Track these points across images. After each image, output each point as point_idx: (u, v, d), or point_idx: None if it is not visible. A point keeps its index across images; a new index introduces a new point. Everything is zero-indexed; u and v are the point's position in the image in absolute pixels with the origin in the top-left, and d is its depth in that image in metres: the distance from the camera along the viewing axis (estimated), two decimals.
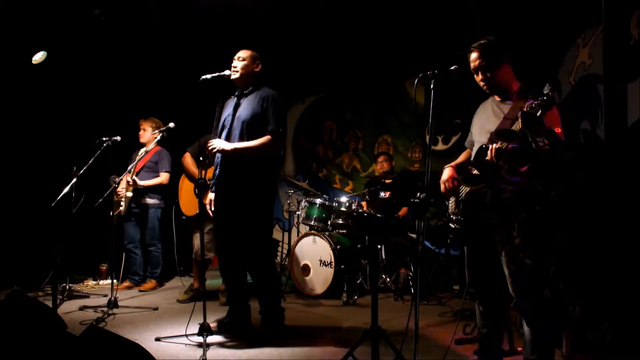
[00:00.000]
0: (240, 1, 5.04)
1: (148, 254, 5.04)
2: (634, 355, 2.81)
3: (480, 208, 2.42)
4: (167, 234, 4.95)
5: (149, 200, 4.90)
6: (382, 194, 4.91)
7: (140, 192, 4.85)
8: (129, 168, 4.37)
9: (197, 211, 4.03)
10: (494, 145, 2.24)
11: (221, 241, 3.37)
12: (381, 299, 4.28)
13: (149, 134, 4.91)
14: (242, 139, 3.19)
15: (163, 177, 4.97)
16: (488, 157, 2.29)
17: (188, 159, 4.28)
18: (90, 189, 4.31)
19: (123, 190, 4.74)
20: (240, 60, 3.30)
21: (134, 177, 4.63)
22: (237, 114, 3.27)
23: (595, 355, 2.88)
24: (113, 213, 4.31)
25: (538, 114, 2.03)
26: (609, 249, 3.01)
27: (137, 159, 4.61)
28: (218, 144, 3.16)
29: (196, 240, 4.39)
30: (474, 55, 2.44)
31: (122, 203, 4.77)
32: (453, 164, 2.71)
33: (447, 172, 2.64)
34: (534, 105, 2.05)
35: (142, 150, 4.82)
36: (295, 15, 5.41)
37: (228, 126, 3.28)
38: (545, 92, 2.03)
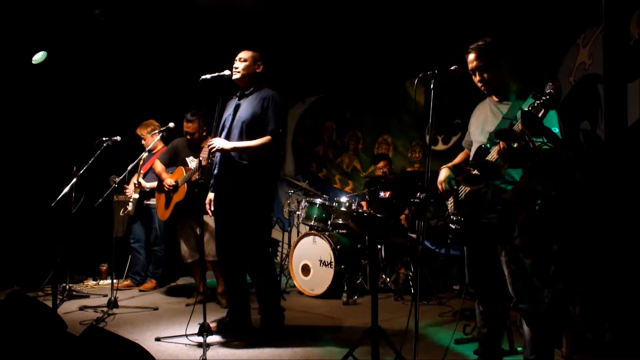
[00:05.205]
0: (240, 1, 5.04)
1: (151, 254, 5.05)
2: (634, 355, 2.81)
3: (480, 208, 2.42)
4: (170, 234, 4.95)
5: (155, 201, 4.90)
6: (382, 193, 4.90)
7: (146, 194, 4.85)
8: (128, 168, 4.36)
9: (169, 215, 4.29)
10: (501, 145, 2.23)
11: (221, 241, 3.37)
12: (381, 299, 4.28)
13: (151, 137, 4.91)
14: (241, 138, 3.19)
15: None
16: (490, 157, 2.29)
17: (158, 166, 4.36)
18: (90, 189, 4.31)
19: (131, 191, 4.76)
20: (241, 61, 3.28)
21: (140, 179, 4.64)
22: (238, 114, 3.26)
23: (595, 355, 2.88)
24: (123, 213, 4.31)
25: (540, 114, 2.02)
26: (609, 249, 3.01)
27: (138, 160, 4.61)
28: (218, 143, 3.16)
29: (182, 245, 4.39)
30: (471, 57, 2.45)
31: (130, 203, 4.79)
32: (450, 164, 2.71)
33: (443, 173, 2.64)
34: (536, 104, 2.04)
35: (146, 153, 4.82)
36: (295, 15, 5.41)
37: (228, 126, 3.28)
38: (547, 92, 2.02)
